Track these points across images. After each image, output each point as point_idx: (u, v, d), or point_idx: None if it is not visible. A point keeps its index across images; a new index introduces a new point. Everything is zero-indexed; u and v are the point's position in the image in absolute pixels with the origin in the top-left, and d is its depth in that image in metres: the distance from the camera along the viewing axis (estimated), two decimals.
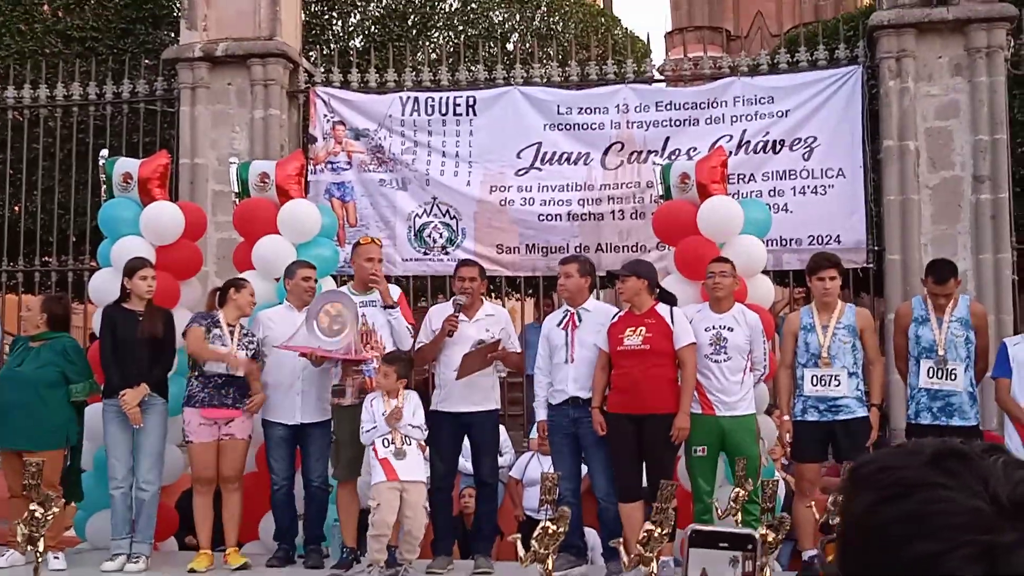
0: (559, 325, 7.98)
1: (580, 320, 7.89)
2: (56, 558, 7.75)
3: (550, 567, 5.51)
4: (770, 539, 5.57)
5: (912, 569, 1.06)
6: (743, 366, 7.63)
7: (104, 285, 8.82)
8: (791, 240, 10.83)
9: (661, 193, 8.98)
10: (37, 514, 4.42)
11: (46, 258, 12.90)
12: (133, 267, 8.15)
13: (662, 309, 7.67)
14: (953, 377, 7.47)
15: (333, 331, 7.82)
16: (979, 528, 1.05)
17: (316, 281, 8.46)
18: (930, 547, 1.05)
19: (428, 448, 7.79)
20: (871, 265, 10.84)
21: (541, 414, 8.03)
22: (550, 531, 5.47)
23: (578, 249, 10.76)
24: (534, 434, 10.50)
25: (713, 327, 7.64)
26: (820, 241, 10.78)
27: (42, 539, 4.45)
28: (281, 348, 8.00)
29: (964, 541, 1.04)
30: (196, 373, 7.99)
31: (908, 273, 10.42)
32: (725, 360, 7.59)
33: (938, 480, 1.08)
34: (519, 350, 8.34)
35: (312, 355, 7.88)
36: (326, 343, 7.83)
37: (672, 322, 7.56)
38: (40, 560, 4.47)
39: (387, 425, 7.48)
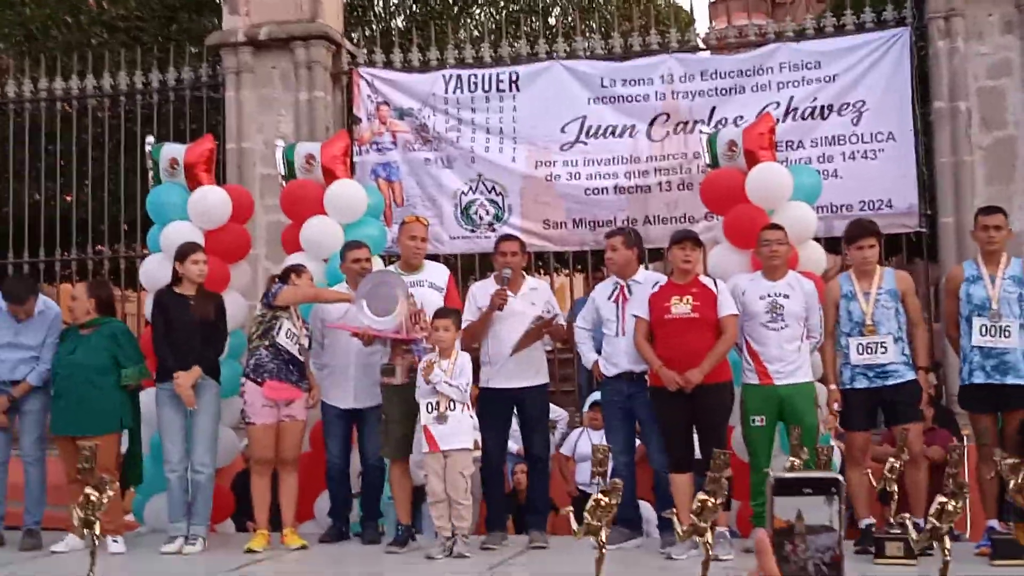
0: (609, 298, 7.93)
1: (630, 292, 7.84)
2: (115, 542, 7.83)
3: (603, 539, 5.48)
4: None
5: None
6: (800, 333, 7.55)
7: (155, 270, 8.89)
8: (842, 206, 10.68)
9: (708, 162, 8.89)
10: (92, 498, 4.45)
11: (98, 247, 13.04)
12: (184, 251, 8.20)
13: (706, 279, 7.62)
14: (1008, 334, 7.32)
15: (384, 311, 7.83)
16: None
17: (369, 260, 8.46)
18: None
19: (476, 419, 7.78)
20: (924, 229, 10.69)
21: (590, 358, 8.04)
22: (602, 503, 5.45)
23: (626, 222, 10.70)
24: (585, 409, 10.52)
25: (768, 295, 7.56)
26: (872, 206, 10.63)
27: (98, 523, 4.48)
28: (332, 327, 8.02)
29: None
30: (267, 343, 8.00)
31: (962, 236, 10.24)
32: (783, 327, 7.51)
33: None
34: (565, 324, 8.31)
35: (364, 335, 7.90)
36: (377, 323, 7.84)
37: (717, 291, 7.51)
38: (97, 544, 4.50)
39: (424, 381, 7.49)
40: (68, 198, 12.99)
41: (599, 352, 8.03)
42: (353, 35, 12.53)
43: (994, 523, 7.30)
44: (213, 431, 8.20)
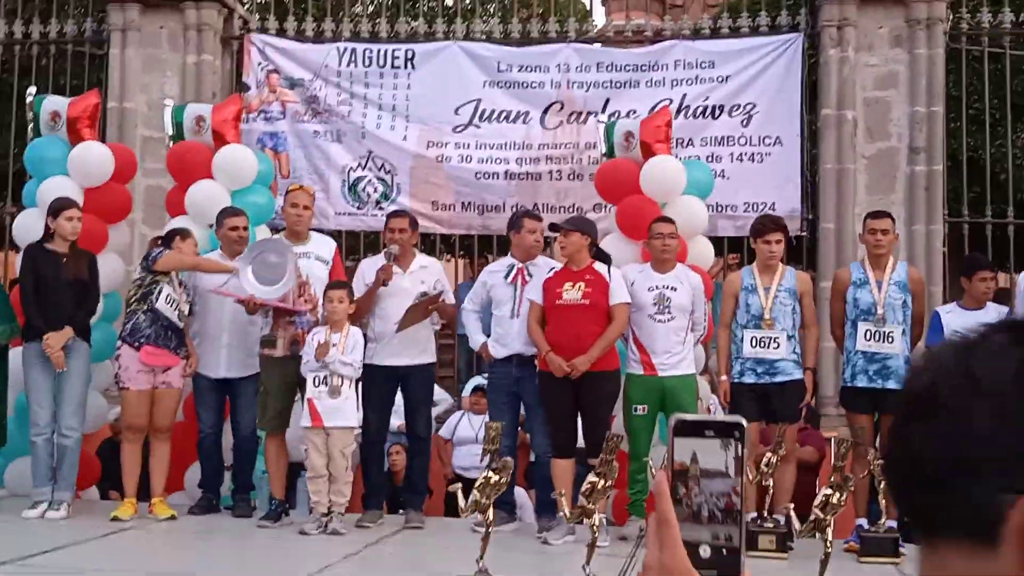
0: (506, 278, 7.89)
1: (530, 276, 7.80)
2: None
3: (491, 517, 5.46)
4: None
5: None
6: (685, 326, 7.62)
7: (30, 226, 8.55)
8: (727, 206, 10.83)
9: (604, 151, 8.91)
10: None
11: None
12: (58, 207, 7.88)
13: (600, 267, 7.62)
14: (891, 340, 7.50)
15: (269, 280, 7.65)
16: None
17: (246, 229, 8.25)
18: None
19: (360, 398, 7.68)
20: (804, 234, 10.90)
21: (478, 339, 7.98)
22: (492, 481, 5.42)
23: (515, 208, 10.64)
24: (466, 393, 10.47)
25: (656, 287, 7.61)
26: (755, 208, 10.79)
27: None
28: (216, 293, 7.82)
29: None
30: (145, 308, 7.74)
31: (842, 242, 10.50)
32: (669, 319, 7.57)
33: None
34: (453, 302, 8.24)
35: (248, 303, 7.71)
36: (262, 291, 7.66)
37: (610, 279, 7.51)
38: None
39: (316, 361, 7.36)
40: None
41: (487, 334, 7.99)
42: (246, 0, 12.23)
43: (863, 521, 7.46)
44: (82, 394, 7.93)
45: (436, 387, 8.77)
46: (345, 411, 7.43)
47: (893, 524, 6.96)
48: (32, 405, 7.84)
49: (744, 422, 1.23)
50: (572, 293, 7.48)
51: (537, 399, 7.63)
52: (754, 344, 7.53)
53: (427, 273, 8.03)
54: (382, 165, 11.39)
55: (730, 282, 7.87)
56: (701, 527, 1.21)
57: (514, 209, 10.40)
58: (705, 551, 1.20)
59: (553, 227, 7.99)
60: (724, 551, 1.20)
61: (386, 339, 7.83)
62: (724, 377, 7.69)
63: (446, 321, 8.55)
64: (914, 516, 1.06)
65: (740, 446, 1.21)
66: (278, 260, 7.70)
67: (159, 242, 8.10)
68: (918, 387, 1.07)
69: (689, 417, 1.23)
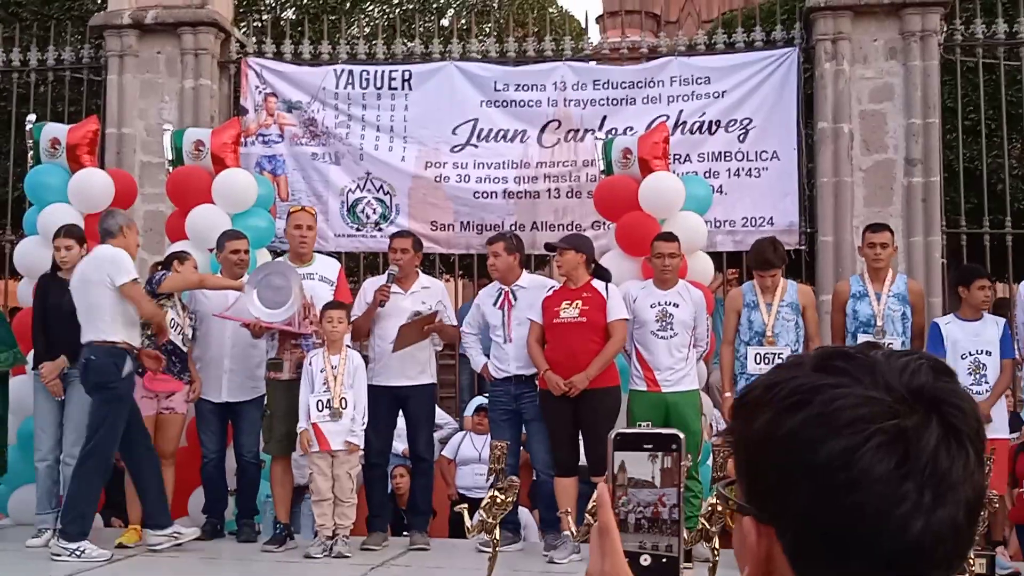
0: (495, 304, 7.92)
1: (515, 299, 7.83)
2: None
3: (497, 537, 5.45)
4: (720, 508, 5.55)
5: (829, 467, 1.06)
6: (688, 342, 7.64)
7: (31, 254, 8.57)
8: (725, 222, 10.84)
9: (603, 168, 8.94)
10: None
11: None
12: (55, 235, 7.92)
13: (598, 284, 7.64)
14: None
15: (274, 302, 7.65)
16: (884, 416, 1.06)
17: (247, 252, 8.26)
18: (842, 443, 1.06)
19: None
20: (803, 247, 10.91)
21: (479, 361, 8.02)
22: (498, 500, 5.41)
23: (514, 227, 10.68)
24: (468, 412, 10.47)
25: (659, 303, 7.63)
26: (753, 223, 10.83)
27: None
28: (220, 317, 7.81)
29: (874, 431, 1.06)
30: (149, 333, 7.74)
31: (840, 255, 10.51)
32: (672, 336, 7.58)
33: (830, 381, 1.09)
34: (455, 323, 8.25)
35: (255, 327, 7.71)
36: (268, 315, 7.66)
37: (607, 296, 7.54)
38: None
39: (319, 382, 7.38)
40: None
41: (487, 355, 8.01)
42: (243, 24, 12.27)
43: None
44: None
45: (439, 410, 8.77)
46: (350, 432, 7.44)
47: None
48: (37, 431, 7.86)
49: (681, 435, 1.26)
50: (569, 311, 7.50)
51: (538, 416, 7.64)
52: (758, 360, 7.54)
53: (428, 294, 8.04)
54: (381, 186, 11.40)
55: (732, 298, 7.89)
56: (635, 535, 1.24)
57: (512, 228, 10.45)
58: (645, 560, 1.23)
59: (549, 247, 8.03)
60: (663, 560, 1.24)
61: (385, 359, 7.84)
62: (728, 394, 7.69)
63: (448, 342, 8.56)
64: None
65: (674, 458, 1.24)
66: (283, 283, 7.70)
67: (159, 267, 8.11)
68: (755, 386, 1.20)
69: (629, 431, 1.27)
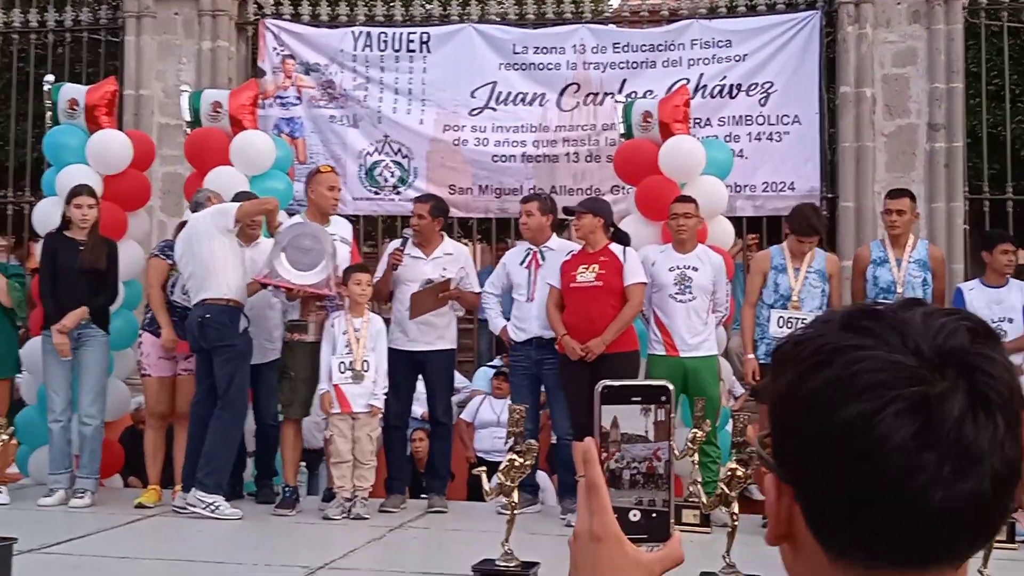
0: (522, 263, 7.88)
1: (543, 259, 7.80)
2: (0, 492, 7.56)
3: (515, 500, 5.44)
4: (739, 473, 5.53)
5: (846, 433, 1.02)
6: (707, 306, 7.59)
7: (48, 215, 8.55)
8: (745, 186, 10.77)
9: (623, 131, 8.87)
10: None
11: None
12: (71, 194, 7.90)
13: (615, 248, 7.60)
14: None
15: (304, 264, 7.53)
16: (907, 381, 1.02)
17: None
18: (861, 407, 1.02)
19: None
20: (825, 212, 10.82)
21: (498, 323, 8.01)
22: (516, 463, 5.41)
23: (532, 190, 10.62)
24: (479, 384, 10.48)
25: (677, 267, 7.58)
26: (774, 188, 10.77)
27: None
28: (261, 282, 7.64)
29: (894, 397, 1.01)
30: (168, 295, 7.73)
31: (861, 220, 10.44)
32: (690, 300, 7.54)
33: (855, 342, 1.05)
34: (477, 290, 8.20)
35: (296, 291, 7.60)
36: (301, 277, 7.52)
37: (624, 260, 7.49)
38: None
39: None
40: None
41: (507, 318, 7.99)
42: None
43: None
44: (101, 382, 7.93)
45: (457, 374, 8.75)
46: (371, 394, 7.44)
47: None
48: (48, 392, 7.88)
49: (670, 386, 1.24)
50: (586, 275, 7.47)
51: (557, 381, 7.61)
52: (781, 324, 7.48)
53: (451, 260, 7.99)
54: (399, 149, 11.36)
55: (759, 260, 7.83)
56: (630, 491, 1.22)
57: (531, 192, 10.40)
58: (635, 515, 1.21)
59: (567, 210, 7.99)
60: (653, 515, 1.22)
61: (404, 324, 7.83)
62: (751, 356, 7.65)
63: (468, 308, 8.53)
64: None
65: (665, 411, 1.22)
66: (313, 245, 7.57)
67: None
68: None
69: (616, 383, 1.25)
